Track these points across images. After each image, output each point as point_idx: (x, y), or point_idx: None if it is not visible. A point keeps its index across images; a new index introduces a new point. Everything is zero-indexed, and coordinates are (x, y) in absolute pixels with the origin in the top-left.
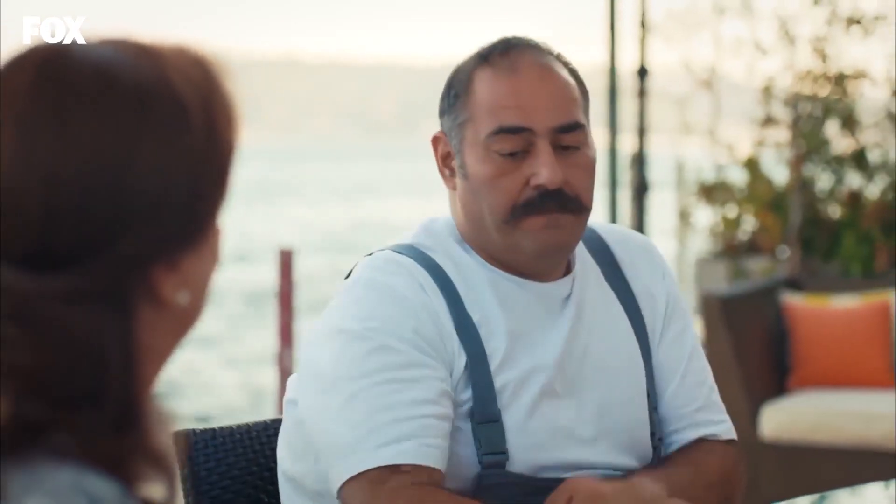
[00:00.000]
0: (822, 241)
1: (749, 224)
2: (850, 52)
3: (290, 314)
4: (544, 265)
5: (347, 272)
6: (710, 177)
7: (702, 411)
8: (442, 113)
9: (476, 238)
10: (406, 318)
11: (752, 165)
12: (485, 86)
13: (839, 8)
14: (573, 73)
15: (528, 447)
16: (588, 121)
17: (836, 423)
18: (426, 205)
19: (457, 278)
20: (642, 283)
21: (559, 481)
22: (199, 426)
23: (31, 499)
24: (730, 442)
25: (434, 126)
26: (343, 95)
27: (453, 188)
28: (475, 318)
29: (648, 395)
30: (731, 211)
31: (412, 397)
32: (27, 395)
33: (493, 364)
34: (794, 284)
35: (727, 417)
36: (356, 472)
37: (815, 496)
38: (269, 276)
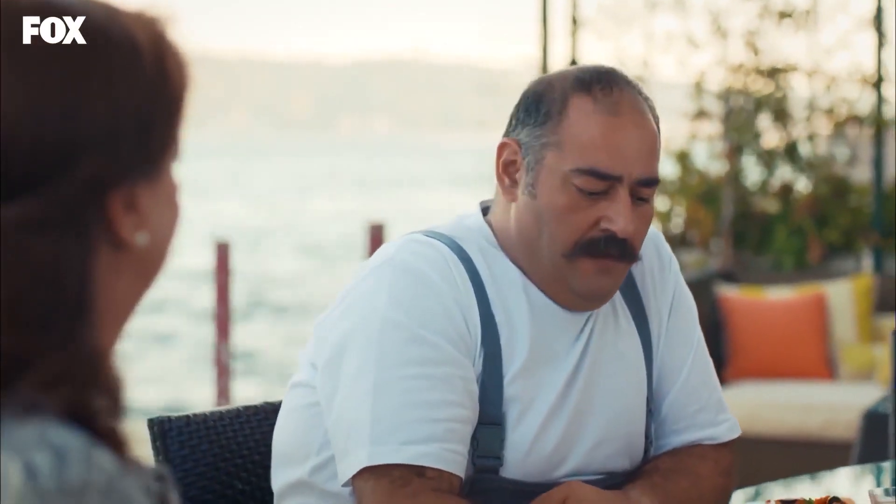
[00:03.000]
0: (753, 234)
1: (680, 217)
2: (782, 46)
3: (227, 308)
4: (585, 307)
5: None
6: None
7: (702, 412)
8: (520, 123)
9: (522, 255)
10: (440, 310)
11: (683, 158)
12: (583, 118)
13: (771, 2)
14: (656, 117)
15: (529, 462)
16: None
17: (773, 414)
18: (350, 202)
19: (486, 274)
20: (650, 280)
21: (555, 485)
22: (174, 414)
23: None
24: (725, 444)
25: (351, 121)
26: (257, 92)
27: (511, 199)
28: (498, 318)
29: (647, 401)
30: (663, 204)
31: (442, 398)
32: None
33: (510, 369)
34: (729, 277)
35: (729, 416)
36: (376, 464)
37: (750, 490)
38: (196, 270)
